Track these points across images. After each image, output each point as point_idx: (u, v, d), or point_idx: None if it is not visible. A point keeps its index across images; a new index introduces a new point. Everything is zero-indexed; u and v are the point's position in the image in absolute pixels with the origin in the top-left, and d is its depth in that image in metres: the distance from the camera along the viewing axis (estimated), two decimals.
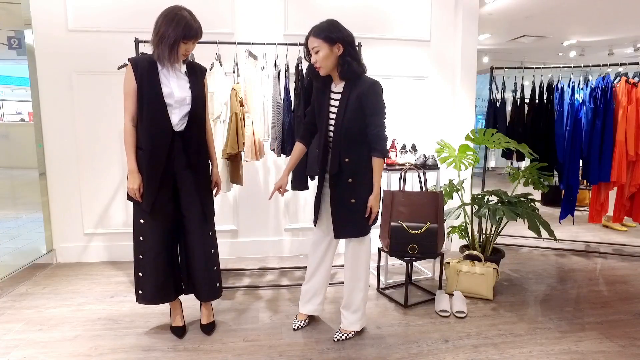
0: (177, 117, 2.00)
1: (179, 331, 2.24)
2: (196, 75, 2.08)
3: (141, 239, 2.07)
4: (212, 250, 2.20)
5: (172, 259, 2.15)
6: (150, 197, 1.99)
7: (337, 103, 2.03)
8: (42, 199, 3.29)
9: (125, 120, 1.98)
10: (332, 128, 2.05)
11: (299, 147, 2.21)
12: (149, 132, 1.96)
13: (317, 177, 2.26)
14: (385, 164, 2.99)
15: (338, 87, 2.06)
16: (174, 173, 2.05)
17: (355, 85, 1.98)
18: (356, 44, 2.08)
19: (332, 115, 2.05)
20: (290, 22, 3.35)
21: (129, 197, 2.03)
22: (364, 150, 2.02)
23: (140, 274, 2.11)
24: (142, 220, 2.05)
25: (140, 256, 2.08)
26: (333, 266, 3.17)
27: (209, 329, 2.26)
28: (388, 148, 3.08)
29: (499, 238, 3.37)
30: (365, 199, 2.04)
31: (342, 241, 2.24)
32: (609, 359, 2.05)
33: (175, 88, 1.98)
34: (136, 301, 2.16)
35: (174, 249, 2.18)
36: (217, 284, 2.25)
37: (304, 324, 2.33)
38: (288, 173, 2.17)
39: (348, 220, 2.07)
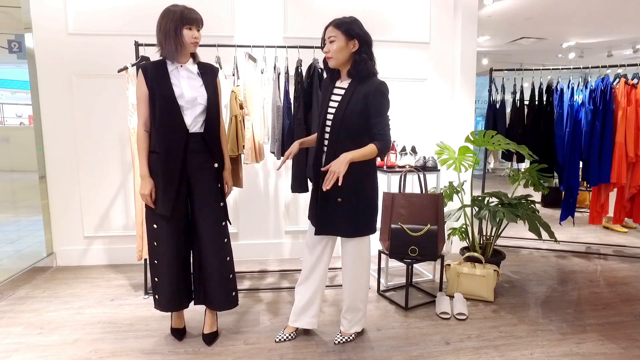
0: (190, 118, 1.97)
1: (179, 333, 2.23)
2: (208, 74, 2.05)
3: (155, 244, 2.05)
4: (228, 258, 2.14)
5: (185, 265, 2.12)
6: (169, 201, 1.97)
7: (338, 98, 1.99)
8: (42, 202, 3.29)
9: (138, 126, 1.99)
10: (329, 123, 2.00)
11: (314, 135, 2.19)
12: (163, 135, 1.95)
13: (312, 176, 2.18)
14: (385, 166, 3.01)
15: (343, 83, 2.02)
16: (188, 176, 2.02)
17: (363, 84, 1.95)
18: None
19: (332, 110, 2.00)
20: (290, 25, 3.36)
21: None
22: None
23: (156, 279, 2.09)
24: (155, 225, 2.03)
25: (155, 262, 2.07)
26: (333, 268, 3.19)
27: (209, 339, 2.18)
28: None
29: (500, 240, 3.37)
30: (352, 199, 1.99)
31: (338, 245, 2.20)
32: None
33: (185, 88, 1.96)
34: (154, 307, 2.15)
35: (188, 255, 2.13)
36: (234, 293, 2.18)
37: (290, 336, 2.22)
38: (299, 144, 2.15)
39: (332, 218, 2.01)
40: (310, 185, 2.77)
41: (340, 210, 2.00)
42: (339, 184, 1.78)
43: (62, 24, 3.13)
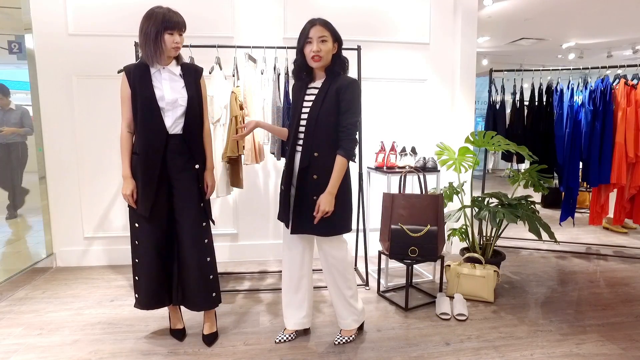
0: (171, 120, 1.98)
1: (179, 334, 2.24)
2: (191, 75, 2.05)
3: (136, 243, 2.07)
4: (208, 259, 2.12)
5: (166, 265, 2.11)
6: (148, 202, 1.99)
7: (312, 98, 2.00)
8: (42, 203, 3.29)
9: (122, 127, 2.01)
10: (304, 122, 1.99)
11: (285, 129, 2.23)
12: (143, 136, 1.97)
13: (282, 176, 2.13)
14: (385, 167, 3.01)
15: (317, 82, 2.03)
16: (169, 177, 2.03)
17: (336, 81, 1.96)
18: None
19: (306, 110, 2.00)
20: (290, 26, 3.36)
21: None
22: (335, 149, 1.95)
23: (136, 277, 2.11)
24: (136, 225, 2.05)
25: (136, 260, 2.09)
26: None
27: (209, 340, 2.18)
28: (378, 152, 3.11)
29: (500, 240, 3.37)
30: None
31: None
32: None
33: (167, 90, 1.97)
34: (134, 306, 2.16)
35: (169, 255, 2.13)
36: (214, 294, 2.16)
37: (290, 337, 2.22)
38: (256, 124, 2.16)
39: (308, 217, 1.99)
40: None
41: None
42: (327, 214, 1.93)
43: (62, 25, 3.14)
